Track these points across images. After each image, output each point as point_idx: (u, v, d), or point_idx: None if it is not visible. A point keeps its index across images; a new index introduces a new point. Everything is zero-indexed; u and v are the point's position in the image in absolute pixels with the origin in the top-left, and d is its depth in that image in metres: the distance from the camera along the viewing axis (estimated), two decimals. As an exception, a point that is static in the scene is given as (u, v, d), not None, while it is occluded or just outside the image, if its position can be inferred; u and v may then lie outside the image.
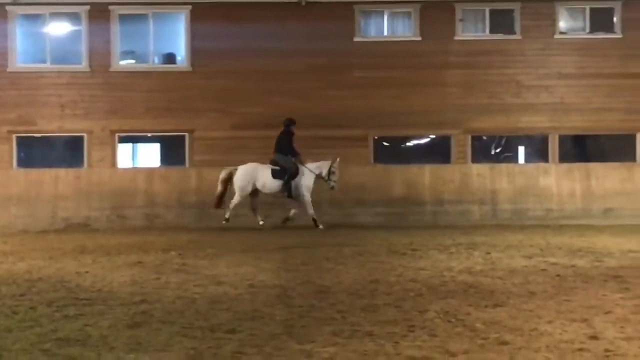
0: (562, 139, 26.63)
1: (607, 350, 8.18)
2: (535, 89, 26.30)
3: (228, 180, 23.52)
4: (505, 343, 8.55)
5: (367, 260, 15.55)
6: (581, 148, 27.53)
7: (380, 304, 10.80)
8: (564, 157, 26.56)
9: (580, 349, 8.26)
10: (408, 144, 28.53)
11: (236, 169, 23.53)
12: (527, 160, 27.67)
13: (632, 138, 26.39)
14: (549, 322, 9.59)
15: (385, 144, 27.22)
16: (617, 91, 26.04)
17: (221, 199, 23.60)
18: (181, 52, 26.77)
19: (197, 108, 26.11)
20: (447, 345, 8.48)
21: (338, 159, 23.37)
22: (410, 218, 24.98)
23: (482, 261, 15.34)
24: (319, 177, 23.23)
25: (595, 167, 26.08)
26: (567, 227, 22.85)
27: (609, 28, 26.47)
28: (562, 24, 26.63)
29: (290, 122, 23.41)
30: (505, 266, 14.57)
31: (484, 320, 9.68)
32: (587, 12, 26.49)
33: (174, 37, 26.84)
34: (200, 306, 10.63)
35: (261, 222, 23.35)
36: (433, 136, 27.59)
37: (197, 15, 26.21)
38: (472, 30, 26.57)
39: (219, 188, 23.59)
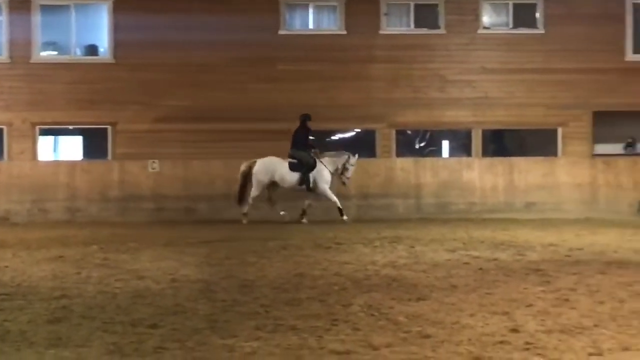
0: (486, 134, 26.84)
1: (527, 343, 8.26)
2: (459, 83, 26.46)
3: (248, 173, 23.41)
4: (427, 336, 8.59)
5: (292, 254, 15.53)
6: (504, 142, 27.80)
7: (304, 298, 10.78)
8: (487, 152, 26.78)
9: (502, 342, 8.32)
10: (333, 137, 28.54)
11: (255, 162, 23.44)
12: (450, 154, 27.88)
13: (554, 133, 26.68)
14: (471, 315, 9.66)
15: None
16: (540, 86, 26.31)
17: (243, 194, 23.47)
18: (104, 44, 26.44)
19: (119, 100, 25.81)
20: (370, 338, 8.49)
21: (357, 156, 23.65)
22: (335, 212, 24.99)
23: (406, 255, 15.42)
24: (334, 173, 23.44)
25: (518, 162, 26.36)
26: (490, 221, 23.09)
27: (532, 24, 26.72)
28: (486, 19, 26.83)
29: (305, 117, 23.48)
30: (429, 260, 14.65)
31: (407, 314, 9.71)
32: (510, 7, 26.72)
33: (97, 29, 26.49)
34: (121, 301, 10.52)
35: (282, 213, 23.42)
36: (358, 130, 27.64)
37: (120, 7, 25.90)
38: (397, 25, 26.65)
39: (239, 182, 23.48)
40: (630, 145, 26.79)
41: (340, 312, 9.89)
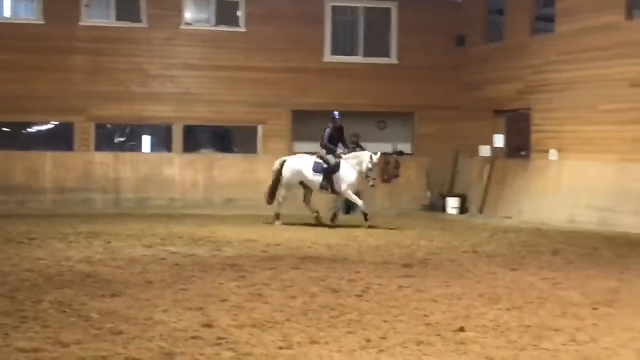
0: (187, 129, 26.81)
1: (219, 338, 8.30)
2: (161, 78, 26.30)
3: (280, 171, 21.68)
4: (119, 333, 8.48)
5: (-19, 250, 14.94)
6: (205, 138, 27.89)
7: (-9, 295, 10.39)
8: (188, 147, 26.77)
9: (194, 337, 8.33)
10: (29, 129, 27.66)
11: (285, 161, 21.82)
12: (152, 149, 27.59)
13: (254, 130, 27.07)
14: (165, 310, 9.62)
15: (5, 129, 26.23)
16: (241, 84, 26.58)
17: (273, 192, 21.78)
18: None
19: None
20: (59, 335, 8.29)
21: (379, 153, 21.53)
22: (29, 206, 24.25)
23: (102, 250, 15.21)
24: (360, 173, 21.23)
25: (218, 158, 26.55)
26: (190, 217, 23.07)
27: (234, 21, 26.97)
28: (188, 15, 26.83)
29: (334, 115, 21.72)
30: (126, 255, 14.51)
31: (99, 310, 9.55)
32: (213, 4, 26.84)
33: None
34: None
35: (315, 214, 21.54)
36: (56, 122, 26.90)
37: None
38: (98, 17, 26.16)
39: (272, 179, 21.82)
40: (327, 144, 27.57)
41: (29, 308, 9.60)
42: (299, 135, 27.11)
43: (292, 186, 21.75)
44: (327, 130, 21.66)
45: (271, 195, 21.94)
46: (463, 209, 26.08)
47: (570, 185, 22.73)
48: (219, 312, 9.62)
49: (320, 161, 21.45)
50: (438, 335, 8.65)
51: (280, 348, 7.98)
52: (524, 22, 25.22)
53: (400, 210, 26.10)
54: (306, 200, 22.01)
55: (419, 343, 8.28)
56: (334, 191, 21.51)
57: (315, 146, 27.27)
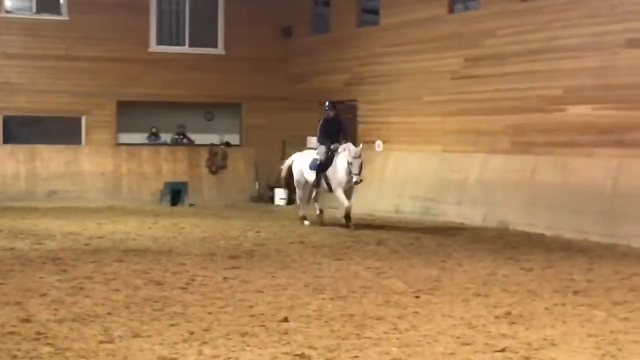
0: (8, 120, 26.04)
1: (38, 333, 8.11)
2: (-21, 67, 25.48)
3: (290, 169, 20.30)
4: None
5: None
6: (27, 130, 27.11)
7: None
8: (9, 139, 25.98)
9: (12, 332, 8.14)
10: None
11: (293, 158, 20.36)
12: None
13: (78, 121, 26.50)
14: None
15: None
16: (63, 73, 25.96)
17: (287, 184, 20.84)
18: None
19: None
20: None
21: (360, 146, 19.23)
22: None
23: None
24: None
25: (41, 149, 25.85)
26: (11, 210, 22.45)
27: (56, 9, 26.30)
28: (9, 3, 26.03)
29: (327, 105, 19.84)
30: (-59, 250, 14.02)
31: None
32: (35, -8, 26.17)
33: None
34: None
35: (306, 223, 19.69)
36: None
37: None
38: None
39: (282, 174, 20.66)
40: (153, 134, 27.25)
41: None
42: (124, 126, 26.72)
43: (303, 185, 20.25)
44: (321, 122, 19.98)
45: (287, 186, 21.44)
46: (291, 200, 26.19)
47: (395, 176, 23.10)
48: (39, 306, 9.38)
49: (318, 157, 19.70)
50: (262, 326, 8.64)
51: (101, 342, 7.82)
52: (350, 14, 25.48)
53: (228, 201, 26.01)
54: (315, 197, 20.58)
55: (243, 334, 8.25)
56: (330, 189, 19.75)
57: (141, 137, 27.14)
